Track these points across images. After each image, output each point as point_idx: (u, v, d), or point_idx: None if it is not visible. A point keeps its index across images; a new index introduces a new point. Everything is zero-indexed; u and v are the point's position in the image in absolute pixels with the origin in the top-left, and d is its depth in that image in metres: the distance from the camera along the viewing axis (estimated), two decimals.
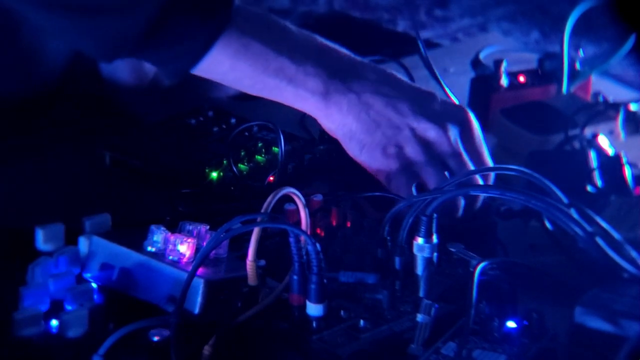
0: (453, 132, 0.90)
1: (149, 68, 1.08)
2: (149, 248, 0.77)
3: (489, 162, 0.91)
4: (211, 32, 0.86)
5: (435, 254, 0.77)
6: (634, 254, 0.74)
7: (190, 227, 0.78)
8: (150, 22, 0.84)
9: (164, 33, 0.85)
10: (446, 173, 0.89)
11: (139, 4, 0.84)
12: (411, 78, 1.04)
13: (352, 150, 0.91)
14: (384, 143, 0.89)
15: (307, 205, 0.76)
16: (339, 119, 0.90)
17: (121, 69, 1.09)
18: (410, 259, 0.78)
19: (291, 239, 0.72)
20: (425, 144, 0.89)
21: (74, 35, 0.87)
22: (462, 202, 0.89)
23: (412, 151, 0.89)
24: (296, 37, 0.90)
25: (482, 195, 0.89)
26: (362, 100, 0.89)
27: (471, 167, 0.89)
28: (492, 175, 0.90)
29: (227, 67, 0.88)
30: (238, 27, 0.87)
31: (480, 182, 0.88)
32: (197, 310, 0.73)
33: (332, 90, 0.89)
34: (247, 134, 1.03)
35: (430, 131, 0.89)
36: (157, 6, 0.84)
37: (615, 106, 1.08)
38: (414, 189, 0.88)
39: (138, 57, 0.89)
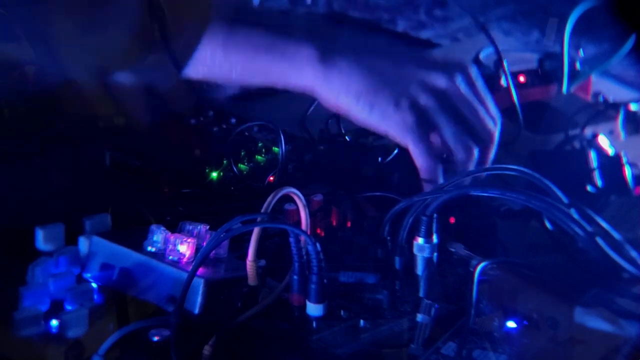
0: (460, 79, 0.89)
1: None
2: (149, 248, 0.77)
3: (493, 107, 0.91)
4: (197, 27, 0.86)
5: (435, 254, 0.77)
6: (634, 254, 0.73)
7: (190, 227, 0.79)
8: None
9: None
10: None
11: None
12: None
13: (361, 113, 0.88)
14: (396, 98, 0.88)
15: (307, 205, 0.76)
16: (341, 82, 0.87)
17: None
18: (410, 259, 0.78)
19: (291, 239, 0.72)
20: (436, 93, 0.89)
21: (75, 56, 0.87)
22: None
23: (427, 100, 0.88)
24: (280, 18, 0.90)
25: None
26: (363, 61, 0.87)
27: (482, 113, 0.89)
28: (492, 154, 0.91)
29: (220, 56, 0.87)
30: (222, 17, 0.87)
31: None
32: (197, 310, 0.73)
33: (328, 55, 0.87)
34: (247, 134, 1.03)
35: (440, 80, 0.89)
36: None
37: (615, 106, 1.09)
38: (440, 174, 0.88)
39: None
